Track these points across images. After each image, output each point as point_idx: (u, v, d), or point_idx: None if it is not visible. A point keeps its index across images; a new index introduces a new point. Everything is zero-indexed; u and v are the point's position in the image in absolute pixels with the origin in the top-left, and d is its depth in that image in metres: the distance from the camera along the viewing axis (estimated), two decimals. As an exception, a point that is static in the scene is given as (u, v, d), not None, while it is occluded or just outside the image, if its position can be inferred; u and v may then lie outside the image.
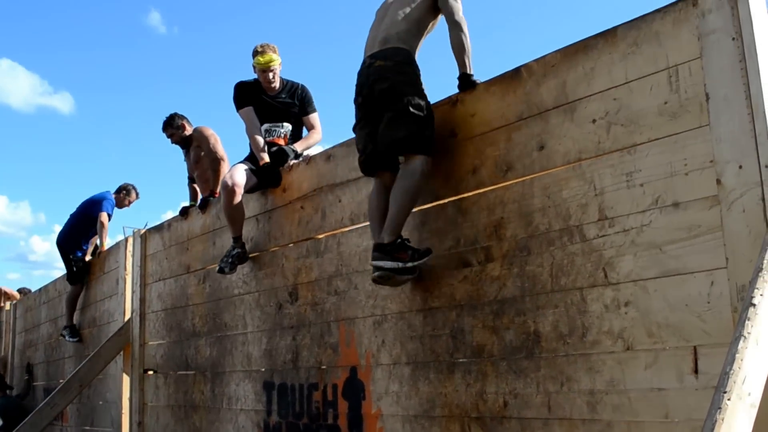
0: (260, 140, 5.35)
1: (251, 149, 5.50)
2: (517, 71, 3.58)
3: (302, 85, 5.65)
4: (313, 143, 5.63)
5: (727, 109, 2.72)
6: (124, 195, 9.44)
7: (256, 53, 5.36)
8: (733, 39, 2.72)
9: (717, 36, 2.77)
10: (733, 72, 2.71)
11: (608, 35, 3.19)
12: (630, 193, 3.02)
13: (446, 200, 3.90)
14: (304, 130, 5.70)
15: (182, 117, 6.97)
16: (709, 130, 2.78)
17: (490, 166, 3.66)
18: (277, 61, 5.42)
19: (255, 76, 5.51)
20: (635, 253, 2.98)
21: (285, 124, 5.54)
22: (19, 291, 13.28)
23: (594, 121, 3.19)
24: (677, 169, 2.86)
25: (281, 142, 5.50)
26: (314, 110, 5.63)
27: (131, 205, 9.54)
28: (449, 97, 3.96)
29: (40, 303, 11.63)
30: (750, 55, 2.68)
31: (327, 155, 4.87)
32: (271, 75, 5.36)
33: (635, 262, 2.97)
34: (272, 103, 5.51)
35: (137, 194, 9.56)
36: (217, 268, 5.39)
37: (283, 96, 5.56)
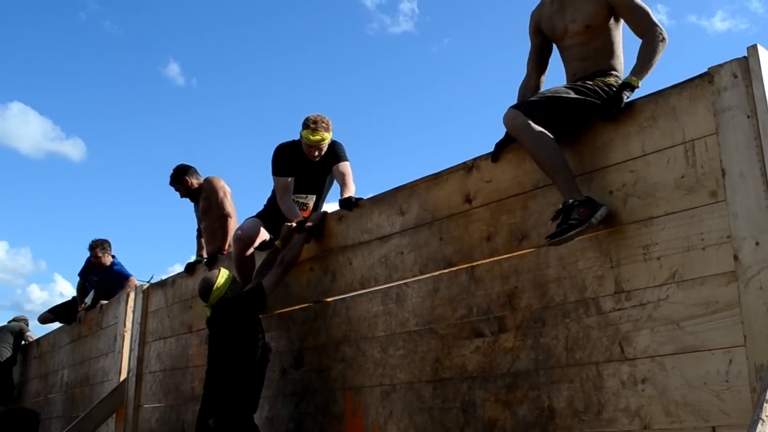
0: (295, 210, 5.53)
1: (267, 206, 5.78)
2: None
3: (336, 142, 5.72)
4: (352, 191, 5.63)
5: (742, 185, 2.93)
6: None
7: (307, 126, 5.46)
8: (748, 117, 2.95)
9: (732, 113, 3.01)
10: (749, 149, 2.93)
11: (626, 107, 3.42)
12: (647, 266, 3.21)
13: (459, 267, 4.08)
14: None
15: (187, 170, 7.30)
16: (725, 205, 2.99)
17: (504, 234, 3.86)
18: (328, 139, 5.52)
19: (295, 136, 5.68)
20: (652, 327, 3.14)
21: (310, 196, 5.75)
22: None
23: (611, 192, 3.40)
24: (694, 243, 3.06)
25: (303, 215, 5.65)
26: (346, 159, 5.69)
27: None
28: (464, 163, 4.19)
29: (31, 357, 11.77)
30: (765, 132, 2.91)
31: (339, 216, 5.07)
32: (316, 152, 5.52)
33: (652, 337, 3.14)
34: (308, 174, 5.68)
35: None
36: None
37: (320, 164, 5.65)
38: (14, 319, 12.40)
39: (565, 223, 3.36)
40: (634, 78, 3.52)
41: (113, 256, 9.82)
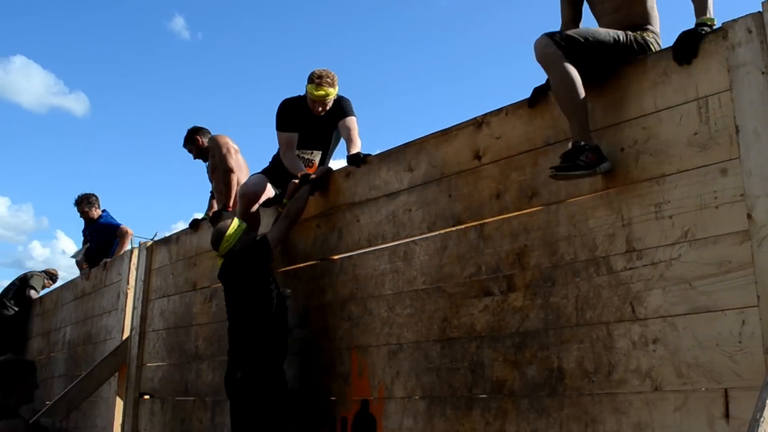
0: (299, 165, 5.52)
1: (272, 162, 5.77)
2: (545, 95, 3.77)
3: (342, 98, 5.67)
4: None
5: (756, 142, 2.91)
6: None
7: (312, 81, 5.41)
8: (763, 73, 2.92)
9: (747, 69, 2.97)
10: (763, 105, 2.90)
11: (638, 64, 3.39)
12: (659, 225, 3.19)
13: (468, 225, 4.08)
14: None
15: (198, 130, 7.42)
16: (739, 163, 2.96)
17: (514, 191, 3.84)
18: (333, 94, 5.48)
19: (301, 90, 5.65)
20: (664, 287, 3.13)
21: (316, 152, 5.72)
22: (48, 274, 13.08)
23: (622, 149, 3.37)
24: (707, 201, 3.04)
25: (308, 171, 5.63)
26: (353, 115, 5.63)
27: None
28: (474, 119, 4.16)
29: (33, 315, 11.82)
30: (781, 89, 2.86)
31: (346, 172, 5.06)
32: (320, 108, 5.48)
33: (664, 297, 3.13)
34: (313, 129, 5.64)
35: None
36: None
37: (326, 119, 5.62)
38: (36, 273, 12.40)
39: (572, 161, 3.33)
40: (706, 17, 3.32)
41: (103, 210, 9.93)
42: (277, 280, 5.07)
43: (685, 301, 3.06)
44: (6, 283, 12.64)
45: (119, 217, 10.01)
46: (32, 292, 11.98)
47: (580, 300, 3.45)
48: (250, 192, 5.60)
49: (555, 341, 3.53)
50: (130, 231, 9.49)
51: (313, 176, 5.22)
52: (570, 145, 3.37)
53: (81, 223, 10.02)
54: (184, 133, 7.57)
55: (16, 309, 11.90)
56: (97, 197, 9.92)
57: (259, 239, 5.06)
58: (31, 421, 6.21)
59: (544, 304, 3.61)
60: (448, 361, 4.03)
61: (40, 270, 12.55)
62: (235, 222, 5.07)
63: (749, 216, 2.90)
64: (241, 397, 4.77)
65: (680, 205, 3.13)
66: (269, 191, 5.66)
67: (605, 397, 3.28)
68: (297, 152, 5.61)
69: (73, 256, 10.03)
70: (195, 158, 7.49)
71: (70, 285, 10.49)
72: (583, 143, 3.34)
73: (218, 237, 5.07)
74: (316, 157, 5.71)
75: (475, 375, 3.88)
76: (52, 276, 12.47)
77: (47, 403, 7.88)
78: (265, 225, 5.64)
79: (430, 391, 4.11)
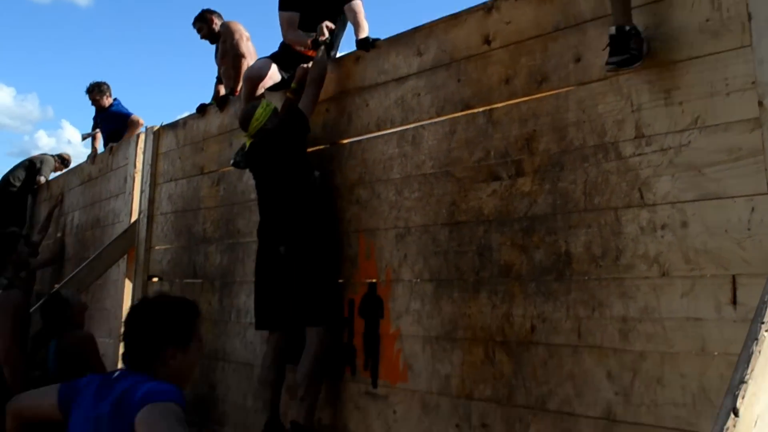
0: (303, 36, 5.38)
1: (280, 48, 5.65)
2: None
3: None
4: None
5: (769, 30, 2.85)
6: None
7: None
8: (778, -41, 2.84)
9: (760, -49, 2.90)
10: (777, -8, 2.84)
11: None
12: (668, 111, 3.18)
13: (477, 110, 4.06)
14: None
15: (212, 12, 7.31)
16: (751, 50, 2.92)
17: (523, 76, 3.82)
18: None
19: None
20: (673, 174, 3.14)
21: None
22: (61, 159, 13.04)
23: (634, 34, 3.32)
24: (718, 89, 3.02)
25: (311, 54, 5.54)
26: None
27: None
28: (484, 3, 4.10)
29: (41, 200, 11.89)
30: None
31: (355, 57, 5.01)
32: None
33: (673, 183, 3.14)
34: (318, 11, 5.48)
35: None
36: (231, 162, 5.60)
37: (331, 1, 5.49)
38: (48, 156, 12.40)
39: (625, 51, 3.22)
40: None
41: (114, 99, 9.91)
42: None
43: (694, 188, 3.07)
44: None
45: (127, 106, 9.95)
46: (41, 179, 12.03)
47: (589, 185, 3.47)
48: (255, 75, 5.52)
49: (563, 226, 3.56)
50: (141, 121, 9.46)
51: (323, 37, 5.13)
52: (614, 29, 3.25)
53: (88, 113, 10.07)
54: (196, 14, 7.40)
55: (20, 187, 11.99)
56: (108, 86, 9.89)
57: (290, 110, 4.98)
58: (51, 292, 6.35)
59: (553, 189, 3.63)
60: (456, 245, 4.08)
61: (53, 154, 12.55)
62: (264, 102, 5.01)
63: (760, 103, 2.88)
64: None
65: (691, 92, 3.11)
66: (275, 75, 5.58)
67: (612, 281, 3.33)
68: (303, 34, 5.50)
69: (84, 136, 10.04)
70: (202, 38, 7.35)
71: (76, 170, 10.54)
72: (628, 28, 3.23)
73: (248, 116, 4.99)
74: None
75: (483, 258, 3.93)
76: (64, 160, 12.43)
77: (56, 285, 8.00)
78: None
79: (437, 274, 4.17)
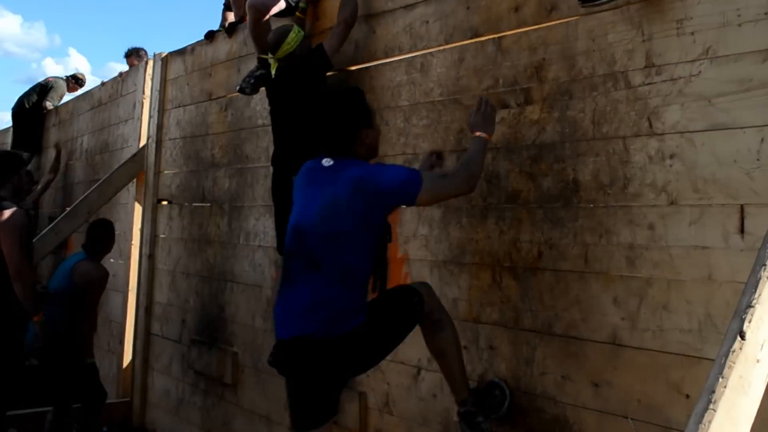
0: None
1: None
2: None
3: None
4: None
5: (784, -42, 2.81)
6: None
7: None
8: None
9: None
10: None
11: None
12: (679, 41, 3.14)
13: (486, 37, 4.03)
14: None
15: None
16: (764, -20, 2.87)
17: (533, 5, 3.78)
18: None
19: None
20: (683, 103, 3.12)
21: None
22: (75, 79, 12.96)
23: (645, -37, 3.27)
24: (730, 19, 2.98)
25: None
26: None
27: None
28: (492, -70, 4.01)
29: (50, 125, 11.85)
30: None
31: (363, -17, 4.91)
32: None
33: (682, 113, 3.12)
34: None
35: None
36: (238, 88, 5.56)
37: None
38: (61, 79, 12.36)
39: None
40: None
41: None
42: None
43: (703, 118, 3.06)
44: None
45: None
46: (48, 104, 11.96)
47: (597, 114, 3.46)
48: (259, 2, 5.42)
49: (571, 154, 3.56)
50: None
51: None
52: None
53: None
54: None
55: (31, 111, 12.00)
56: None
57: (314, 47, 4.87)
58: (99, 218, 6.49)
59: (561, 117, 3.62)
60: (464, 171, 4.08)
61: (67, 75, 12.44)
62: (296, 28, 4.90)
63: (772, 34, 2.85)
64: None
65: (702, 22, 3.07)
66: (280, 2, 5.47)
67: (620, 209, 3.34)
68: None
69: None
70: None
71: (86, 96, 10.49)
72: None
73: (279, 39, 4.85)
74: None
75: (491, 185, 3.94)
76: (78, 80, 12.33)
77: (67, 208, 8.04)
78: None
79: (445, 200, 4.17)
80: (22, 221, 5.18)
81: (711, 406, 2.16)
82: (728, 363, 2.22)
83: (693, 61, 3.10)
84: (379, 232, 3.55)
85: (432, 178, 3.46)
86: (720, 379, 2.20)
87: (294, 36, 4.84)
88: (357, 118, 3.61)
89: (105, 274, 6.31)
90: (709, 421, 2.13)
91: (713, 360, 2.25)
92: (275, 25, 5.44)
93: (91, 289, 6.17)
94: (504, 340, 3.83)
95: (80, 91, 11.66)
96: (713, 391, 2.18)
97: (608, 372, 3.34)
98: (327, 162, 3.57)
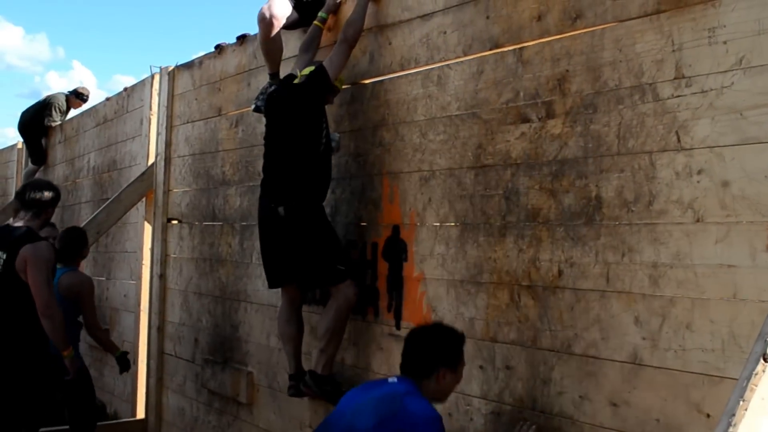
0: None
1: None
2: None
3: None
4: None
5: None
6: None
7: None
8: None
9: None
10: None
11: None
12: (711, 51, 3.01)
13: (506, 48, 3.91)
14: None
15: None
16: (803, -16, 2.75)
17: (557, 13, 3.65)
18: None
19: None
20: (713, 116, 3.00)
21: None
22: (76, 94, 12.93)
23: (677, -31, 3.15)
24: (765, 27, 2.85)
25: None
26: None
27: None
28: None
29: (56, 142, 11.79)
30: None
31: (378, -8, 4.80)
32: None
33: (712, 126, 3.00)
34: None
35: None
36: (253, 107, 5.43)
37: None
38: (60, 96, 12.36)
39: None
40: None
41: None
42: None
43: (734, 132, 2.93)
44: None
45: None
46: (49, 121, 11.97)
47: (623, 128, 3.33)
48: (268, 16, 5.23)
49: (594, 170, 3.44)
50: None
51: None
52: None
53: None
54: None
55: (32, 128, 12.07)
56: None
57: (315, 69, 4.70)
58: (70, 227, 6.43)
59: (585, 131, 3.49)
60: (482, 189, 3.97)
61: (67, 91, 12.39)
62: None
63: (809, 44, 2.73)
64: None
65: (736, 30, 2.93)
66: (290, 14, 5.28)
67: (644, 227, 3.22)
68: None
69: None
70: None
71: (90, 111, 10.44)
72: None
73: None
74: None
75: (510, 202, 3.83)
76: (79, 95, 12.28)
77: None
78: (292, 48, 5.44)
79: (462, 218, 4.07)
80: (49, 255, 5.08)
81: (731, 429, 2.17)
82: (750, 386, 2.22)
83: (725, 71, 2.97)
84: None
85: None
86: (741, 402, 2.21)
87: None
88: (446, 356, 3.64)
89: (89, 278, 6.44)
90: None
91: (735, 380, 2.24)
92: (286, 38, 5.33)
93: (82, 296, 6.19)
94: (521, 359, 3.73)
95: (85, 106, 11.66)
96: (734, 414, 2.20)
97: (627, 392, 3.25)
98: (392, 380, 3.69)
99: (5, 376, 4.91)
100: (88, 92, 12.38)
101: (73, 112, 11.98)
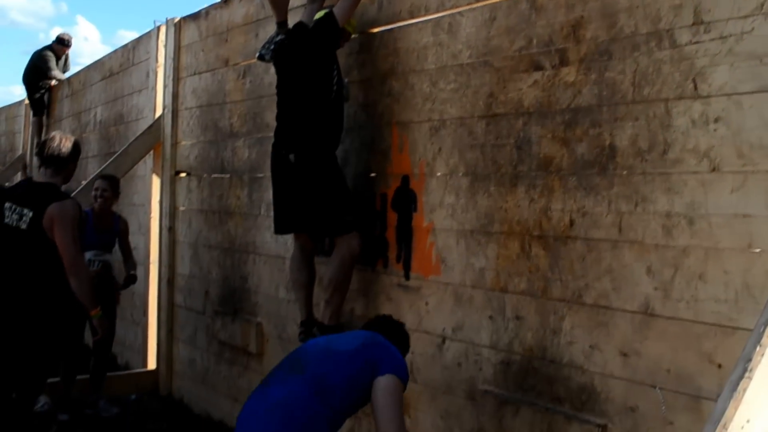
0: None
1: None
2: None
3: None
4: None
5: None
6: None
7: None
8: None
9: None
10: None
11: None
12: (732, -5, 2.91)
13: (520, -6, 3.80)
14: None
15: None
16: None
17: (571, -44, 3.54)
18: None
19: None
20: (732, 63, 2.91)
21: None
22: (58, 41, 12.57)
23: None
24: (789, -30, 2.75)
25: None
26: None
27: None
28: None
29: (63, 96, 11.69)
30: None
31: (384, -63, 4.67)
32: None
33: (731, 73, 2.91)
34: None
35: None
36: (257, 55, 5.35)
37: None
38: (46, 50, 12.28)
39: None
40: None
41: None
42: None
43: (753, 79, 2.84)
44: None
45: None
46: (51, 81, 11.93)
47: (638, 75, 3.24)
48: None
49: (608, 118, 3.36)
50: None
51: None
52: None
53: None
54: None
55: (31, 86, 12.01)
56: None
57: (323, 16, 4.63)
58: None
59: (599, 79, 3.40)
60: (493, 138, 3.90)
61: (48, 44, 12.38)
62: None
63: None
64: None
65: (758, -27, 2.84)
66: None
67: (658, 176, 3.15)
68: None
69: None
70: None
71: (97, 65, 10.30)
72: None
73: None
74: None
75: (522, 152, 3.75)
76: (62, 41, 12.26)
77: (83, 182, 7.89)
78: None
79: (473, 168, 4.01)
80: (74, 212, 4.98)
81: (747, 374, 2.16)
82: (767, 332, 2.21)
83: (745, 17, 2.87)
84: None
85: None
86: (758, 348, 2.19)
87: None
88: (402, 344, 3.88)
89: None
90: (744, 389, 2.14)
91: (748, 330, 2.24)
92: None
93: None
94: (531, 310, 3.69)
95: (88, 59, 11.73)
96: (750, 359, 2.18)
97: (638, 342, 3.22)
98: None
99: (34, 335, 4.87)
100: (70, 36, 12.44)
101: (74, 69, 12.00)
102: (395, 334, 3.82)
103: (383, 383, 3.39)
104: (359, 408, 3.55)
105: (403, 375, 3.49)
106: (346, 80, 4.82)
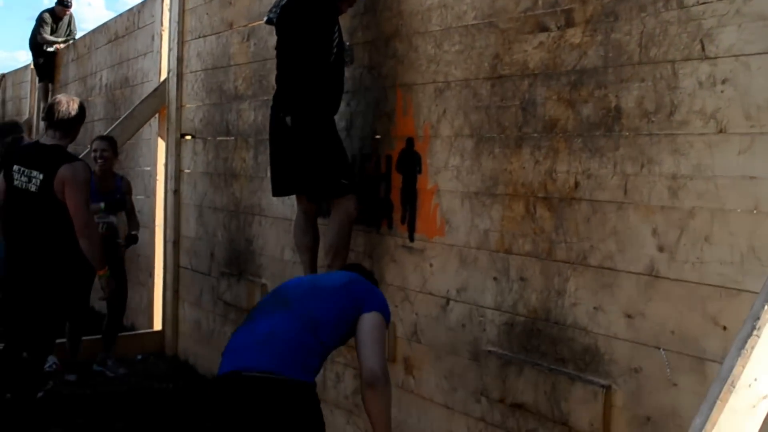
0: None
1: None
2: None
3: None
4: None
5: None
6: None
7: None
8: None
9: None
10: None
11: None
12: (741, -46, 2.86)
13: (525, -46, 3.75)
14: None
15: None
16: None
17: None
18: None
19: None
20: (740, 24, 2.85)
21: None
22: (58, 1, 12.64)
23: None
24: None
25: None
26: None
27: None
28: None
29: (69, 60, 11.65)
30: None
31: None
32: None
33: (739, 34, 2.86)
34: None
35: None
36: (265, 19, 5.30)
37: None
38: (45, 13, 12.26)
39: None
40: None
41: None
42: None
43: (762, 40, 2.78)
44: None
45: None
46: (42, 39, 11.90)
47: (645, 36, 3.19)
48: None
49: (614, 80, 3.31)
50: None
51: None
52: None
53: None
54: None
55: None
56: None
57: None
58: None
59: (605, 40, 3.35)
60: (498, 100, 3.85)
61: (48, 8, 12.39)
62: None
63: None
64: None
65: (767, -69, 2.78)
66: None
67: (664, 137, 3.11)
68: None
69: None
70: None
71: (102, 29, 10.26)
72: None
73: None
74: None
75: (527, 113, 3.71)
76: (61, 2, 12.25)
77: (89, 146, 7.88)
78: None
79: (478, 130, 3.96)
80: (86, 175, 4.99)
81: (755, 332, 2.16)
82: None
83: (755, -25, 2.82)
84: None
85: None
86: (766, 306, 2.18)
87: None
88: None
89: None
90: (752, 347, 2.14)
91: (753, 293, 2.22)
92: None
93: None
94: (536, 271, 3.67)
95: (92, 24, 11.69)
96: (758, 318, 2.17)
97: (643, 303, 3.19)
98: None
99: (44, 294, 4.89)
100: None
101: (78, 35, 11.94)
102: (371, 280, 3.86)
103: (370, 319, 3.43)
104: (344, 342, 3.57)
105: (387, 313, 3.54)
106: (347, 43, 4.76)
